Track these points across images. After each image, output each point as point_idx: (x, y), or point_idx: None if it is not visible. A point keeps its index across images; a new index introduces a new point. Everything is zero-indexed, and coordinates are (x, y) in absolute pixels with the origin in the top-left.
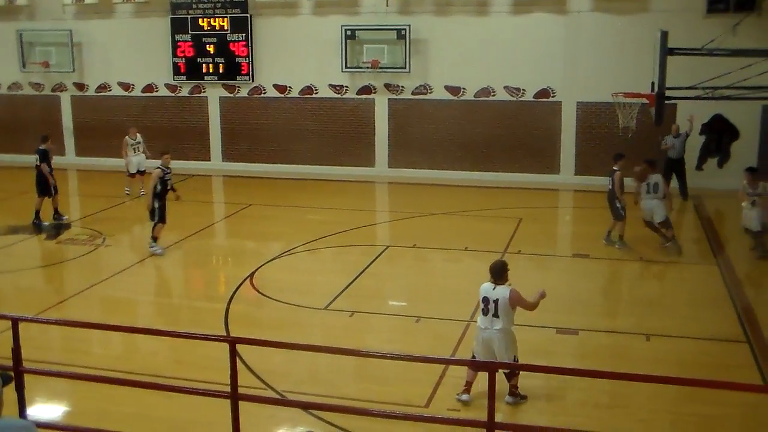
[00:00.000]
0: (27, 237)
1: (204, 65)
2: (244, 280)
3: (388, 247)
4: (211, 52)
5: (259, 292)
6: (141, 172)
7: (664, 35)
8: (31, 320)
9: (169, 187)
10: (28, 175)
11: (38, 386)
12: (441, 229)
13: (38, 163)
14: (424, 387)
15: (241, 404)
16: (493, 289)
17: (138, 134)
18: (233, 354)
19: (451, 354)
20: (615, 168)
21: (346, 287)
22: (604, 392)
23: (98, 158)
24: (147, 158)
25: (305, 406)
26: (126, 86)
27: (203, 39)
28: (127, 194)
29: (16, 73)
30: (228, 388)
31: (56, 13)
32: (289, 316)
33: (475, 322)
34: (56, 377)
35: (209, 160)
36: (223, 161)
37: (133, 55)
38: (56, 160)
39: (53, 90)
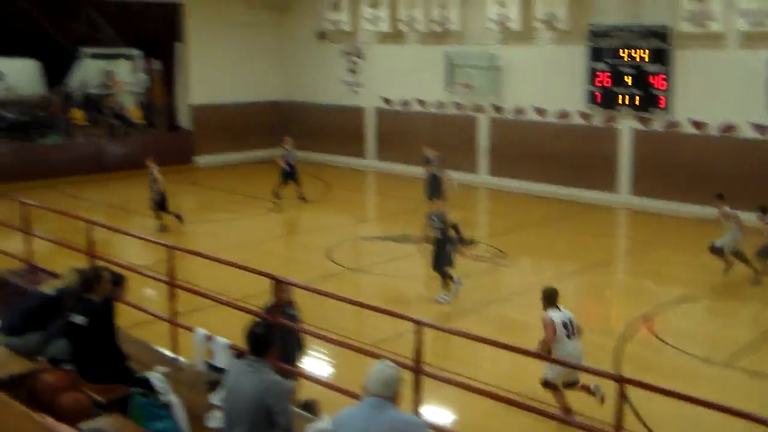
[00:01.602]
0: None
1: (620, 96)
2: (638, 319)
3: None
4: (628, 83)
5: (652, 334)
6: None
7: None
8: (431, 326)
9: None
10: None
11: (429, 389)
12: None
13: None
14: None
15: None
16: (560, 310)
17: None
18: (620, 393)
19: None
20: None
21: (750, 345)
22: None
23: (509, 179)
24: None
25: None
26: (540, 111)
27: (620, 69)
28: None
29: (441, 93)
30: (612, 428)
31: (482, 38)
32: (681, 364)
33: None
34: (446, 383)
35: (616, 192)
36: (631, 195)
37: (548, 81)
38: (468, 178)
39: (473, 110)
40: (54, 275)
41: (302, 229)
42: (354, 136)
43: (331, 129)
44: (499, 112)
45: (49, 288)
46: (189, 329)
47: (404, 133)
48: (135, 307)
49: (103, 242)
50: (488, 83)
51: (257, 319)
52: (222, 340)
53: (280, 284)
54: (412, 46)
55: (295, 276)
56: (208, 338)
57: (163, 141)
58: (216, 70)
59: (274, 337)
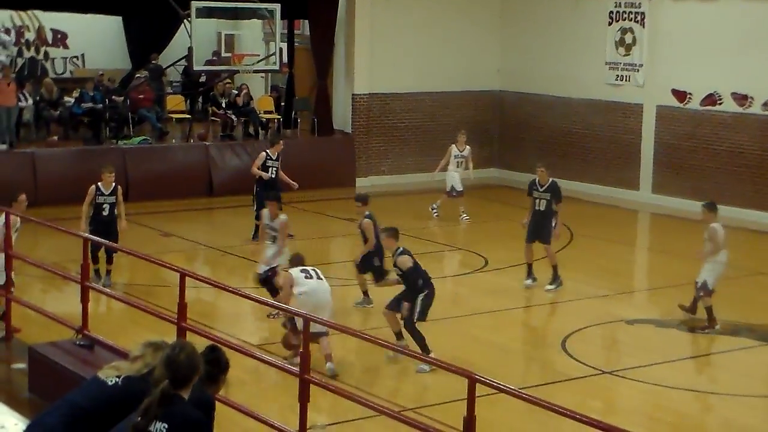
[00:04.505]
0: (754, 344)
1: None
2: None
3: None
4: None
5: None
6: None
7: None
8: None
9: None
10: None
11: None
12: None
13: None
14: None
15: None
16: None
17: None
18: None
19: None
20: None
21: None
22: None
23: None
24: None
25: None
26: None
27: None
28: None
29: None
30: None
31: None
32: None
33: None
34: None
35: None
36: None
37: None
38: None
39: None
40: (121, 354)
41: (522, 299)
42: (618, 153)
43: (580, 139)
44: None
45: (111, 374)
46: None
47: (705, 148)
48: (243, 411)
49: (200, 304)
50: None
51: None
52: None
53: None
54: (730, 3)
55: (509, 377)
56: None
57: (307, 150)
58: (398, 43)
59: None
